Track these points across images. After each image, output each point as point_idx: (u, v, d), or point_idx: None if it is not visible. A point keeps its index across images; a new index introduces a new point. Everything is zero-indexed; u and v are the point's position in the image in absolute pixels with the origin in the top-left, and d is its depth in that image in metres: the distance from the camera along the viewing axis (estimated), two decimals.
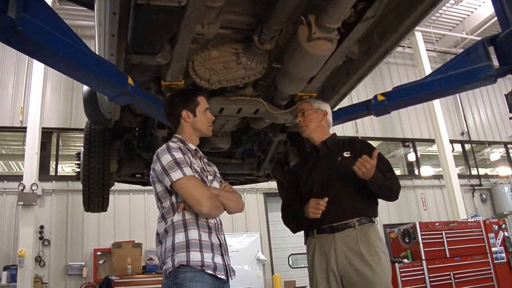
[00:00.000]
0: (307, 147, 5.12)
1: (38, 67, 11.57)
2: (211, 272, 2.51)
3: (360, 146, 3.23)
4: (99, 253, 11.33)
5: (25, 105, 11.99)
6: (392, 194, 3.06)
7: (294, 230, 3.34)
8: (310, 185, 3.15)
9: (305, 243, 3.23)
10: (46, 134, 12.00)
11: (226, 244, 2.73)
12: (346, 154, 3.10)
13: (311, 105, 3.35)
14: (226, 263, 2.64)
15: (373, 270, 2.86)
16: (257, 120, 4.38)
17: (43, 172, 11.71)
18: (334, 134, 3.34)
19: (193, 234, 2.53)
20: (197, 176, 2.62)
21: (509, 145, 17.99)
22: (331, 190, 3.02)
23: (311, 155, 3.41)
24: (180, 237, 2.52)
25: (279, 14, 2.98)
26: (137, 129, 5.01)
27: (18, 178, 11.05)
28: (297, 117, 3.35)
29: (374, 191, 2.98)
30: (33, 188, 10.55)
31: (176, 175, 2.53)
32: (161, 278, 2.66)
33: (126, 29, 2.91)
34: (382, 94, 3.64)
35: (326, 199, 2.91)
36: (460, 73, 3.25)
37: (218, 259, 2.58)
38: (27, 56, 12.04)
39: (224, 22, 3.22)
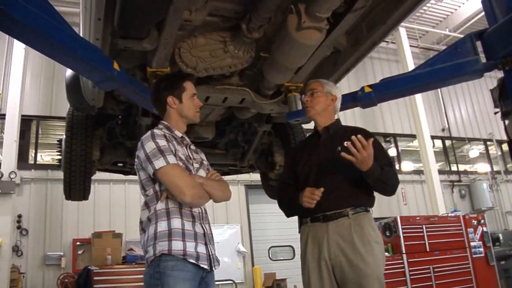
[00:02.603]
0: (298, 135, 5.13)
1: (18, 53, 11.38)
2: (193, 261, 2.48)
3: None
4: (78, 243, 11.19)
5: (4, 92, 11.76)
6: (387, 188, 2.98)
7: (288, 215, 3.26)
8: (307, 172, 3.08)
9: (299, 231, 3.17)
10: (26, 122, 11.79)
11: (211, 233, 2.69)
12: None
13: (322, 87, 3.18)
14: (210, 253, 2.61)
15: (365, 261, 2.81)
16: (243, 110, 4.35)
17: (22, 160, 11.52)
18: (338, 120, 3.24)
19: (176, 223, 2.50)
20: (181, 164, 2.58)
21: (488, 142, 18.22)
22: (328, 178, 2.96)
23: (312, 139, 3.30)
24: (162, 226, 2.49)
25: (269, 2, 2.96)
26: (120, 116, 4.94)
27: None
28: (305, 96, 3.19)
29: (369, 184, 2.91)
30: (12, 176, 10.40)
31: (159, 163, 2.48)
32: (141, 269, 2.62)
33: (113, 13, 2.86)
34: (369, 86, 3.62)
35: (322, 189, 2.84)
36: (447, 66, 3.26)
37: (201, 249, 2.55)
38: (7, 42, 11.91)
39: (212, 9, 3.18)
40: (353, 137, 2.75)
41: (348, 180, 2.97)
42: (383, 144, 16.75)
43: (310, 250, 2.98)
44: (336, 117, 3.27)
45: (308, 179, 3.04)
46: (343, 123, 3.34)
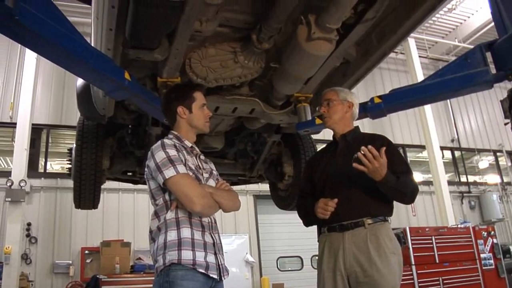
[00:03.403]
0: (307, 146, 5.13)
1: (29, 62, 11.49)
2: (203, 271, 2.48)
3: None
4: (86, 251, 11.21)
5: (15, 100, 11.87)
6: (405, 197, 2.93)
7: (306, 225, 3.27)
8: (324, 181, 3.06)
9: (317, 240, 3.15)
10: (36, 130, 11.90)
11: (220, 243, 2.69)
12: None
13: (337, 95, 3.16)
14: (219, 262, 2.61)
15: (380, 272, 2.77)
16: (252, 120, 4.36)
17: (32, 168, 11.59)
18: (357, 127, 3.22)
19: (186, 232, 2.50)
20: (191, 174, 2.59)
21: (498, 153, 18.09)
22: (344, 188, 2.94)
23: (330, 147, 3.27)
24: (172, 235, 2.49)
25: (279, 13, 2.98)
26: (130, 126, 4.97)
27: (6, 174, 10.93)
28: (322, 106, 3.17)
29: (385, 193, 2.87)
30: (22, 184, 10.46)
31: (169, 172, 2.49)
32: (150, 278, 2.62)
33: (124, 23, 2.89)
34: (379, 97, 3.60)
35: (336, 200, 2.85)
36: (457, 77, 3.23)
37: (211, 258, 2.55)
38: (18, 51, 12.03)
39: (222, 20, 3.20)
40: (363, 147, 2.73)
41: (364, 189, 2.92)
42: None
43: (326, 260, 2.96)
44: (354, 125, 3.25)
45: (324, 188, 3.03)
46: None
